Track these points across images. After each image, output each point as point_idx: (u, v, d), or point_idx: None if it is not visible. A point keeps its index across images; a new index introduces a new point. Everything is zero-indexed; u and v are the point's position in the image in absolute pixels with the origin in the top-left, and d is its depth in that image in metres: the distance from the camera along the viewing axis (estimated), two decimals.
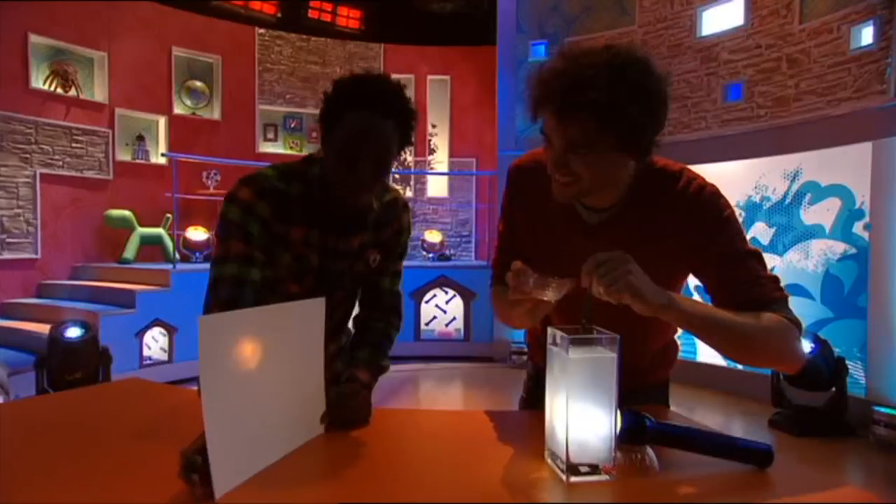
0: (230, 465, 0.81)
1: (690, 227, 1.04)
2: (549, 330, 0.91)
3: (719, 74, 4.70)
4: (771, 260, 4.37)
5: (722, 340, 0.99)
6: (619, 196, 1.06)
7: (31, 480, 0.84)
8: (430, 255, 6.37)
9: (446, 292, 5.86)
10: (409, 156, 7.19)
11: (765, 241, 4.44)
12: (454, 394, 4.89)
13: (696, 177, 1.08)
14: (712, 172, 4.63)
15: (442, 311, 5.90)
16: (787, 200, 4.32)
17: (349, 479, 0.86)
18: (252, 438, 0.87)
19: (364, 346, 1.29)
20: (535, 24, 5.83)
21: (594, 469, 0.85)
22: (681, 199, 1.05)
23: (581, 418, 0.85)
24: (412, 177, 7.21)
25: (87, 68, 5.51)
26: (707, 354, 4.79)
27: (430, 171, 7.22)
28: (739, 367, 4.51)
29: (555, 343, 0.90)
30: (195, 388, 1.09)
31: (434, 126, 7.26)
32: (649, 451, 0.90)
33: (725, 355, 1.04)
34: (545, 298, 0.95)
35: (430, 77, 7.18)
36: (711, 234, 1.03)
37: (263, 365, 0.88)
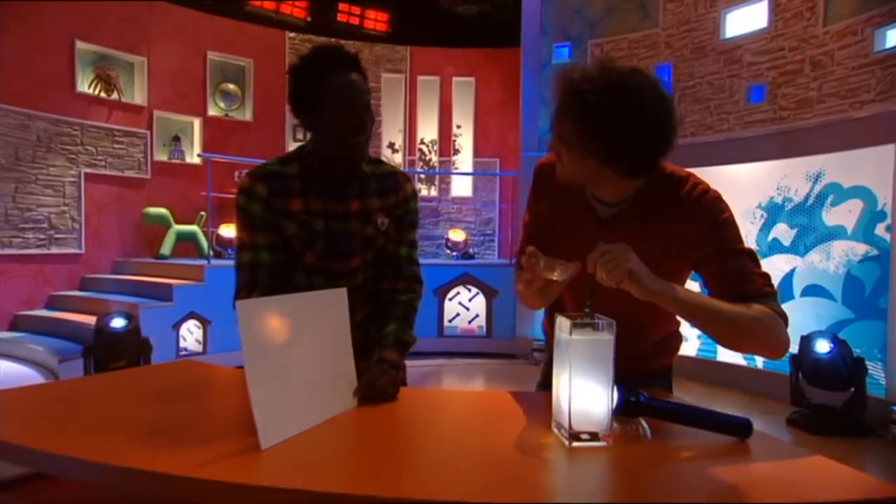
0: (272, 423, 0.95)
1: (693, 226, 1.16)
2: (557, 317, 1.06)
3: (742, 76, 4.74)
4: (792, 261, 4.41)
5: (712, 326, 1.11)
6: (629, 194, 1.19)
7: (125, 442, 1.01)
8: (454, 254, 6.52)
9: (469, 290, 6.00)
10: (434, 156, 7.35)
11: (786, 242, 4.48)
12: (476, 388, 5.03)
13: (701, 182, 1.22)
14: (734, 174, 4.73)
15: (465, 308, 6.05)
16: (809, 202, 4.35)
17: (378, 438, 1.02)
18: (290, 404, 1.01)
19: (391, 321, 1.38)
20: (558, 26, 5.92)
21: (594, 436, 0.99)
22: (686, 201, 1.17)
23: (582, 392, 0.99)
24: (437, 177, 7.37)
25: (128, 72, 5.80)
26: (726, 353, 4.84)
27: (454, 172, 7.36)
28: (759, 366, 4.57)
29: (561, 328, 1.04)
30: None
31: (459, 126, 7.40)
32: (643, 422, 1.04)
33: (716, 340, 1.16)
34: (553, 278, 1.11)
35: (455, 78, 7.32)
36: (711, 233, 1.15)
37: (296, 343, 1.03)
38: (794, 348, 4.04)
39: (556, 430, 1.05)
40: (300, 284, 1.37)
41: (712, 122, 4.97)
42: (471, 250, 6.69)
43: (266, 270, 1.32)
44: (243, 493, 0.79)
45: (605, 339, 1.00)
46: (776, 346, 1.12)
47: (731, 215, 1.18)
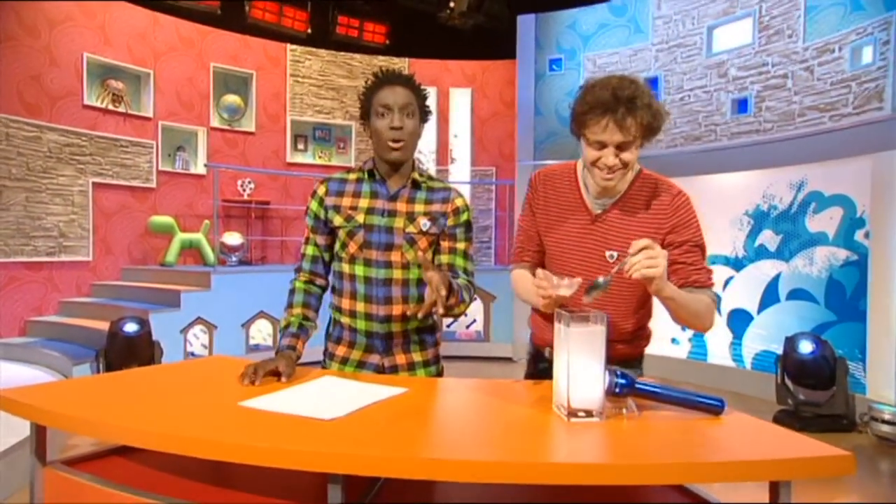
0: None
1: (671, 218, 1.45)
2: (556, 312, 1.24)
3: (728, 90, 4.96)
4: (778, 266, 4.61)
5: (682, 313, 1.40)
6: (619, 193, 1.46)
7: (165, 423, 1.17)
8: None
9: None
10: (430, 164, 7.53)
11: (772, 247, 4.68)
12: None
13: (675, 185, 1.51)
14: (722, 182, 4.95)
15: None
16: (793, 209, 4.56)
17: (396, 419, 1.19)
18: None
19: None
20: (552, 40, 6.13)
21: (589, 413, 1.17)
22: (666, 197, 1.46)
23: (579, 376, 1.17)
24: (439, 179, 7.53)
25: (135, 84, 5.96)
26: (716, 356, 5.03)
27: (451, 181, 7.54)
28: (747, 367, 4.75)
29: (560, 321, 1.22)
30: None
31: (456, 136, 7.58)
32: (630, 401, 1.22)
33: (676, 320, 1.44)
34: (562, 294, 1.31)
35: (452, 89, 7.52)
36: (684, 227, 1.45)
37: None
38: (779, 349, 4.23)
39: (556, 410, 1.22)
40: (344, 272, 1.59)
41: (700, 133, 5.18)
42: None
43: (308, 260, 1.64)
44: (315, 458, 0.96)
45: (598, 329, 1.17)
46: (711, 326, 1.48)
47: (696, 214, 1.48)
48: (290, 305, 1.61)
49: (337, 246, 1.61)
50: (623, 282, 1.39)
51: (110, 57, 5.65)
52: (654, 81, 5.54)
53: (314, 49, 7.13)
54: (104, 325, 4.27)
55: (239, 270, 5.66)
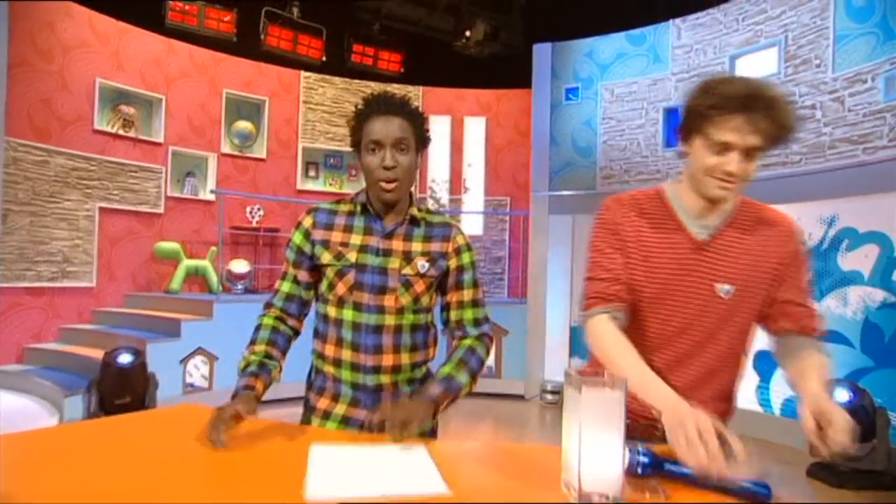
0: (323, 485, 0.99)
1: (784, 249, 1.26)
2: (565, 370, 1.05)
3: None
4: None
5: None
6: (724, 218, 1.26)
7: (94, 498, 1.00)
8: None
9: None
10: (444, 194, 7.42)
11: None
12: (484, 430, 4.94)
13: (782, 212, 1.34)
14: None
15: None
16: (824, 246, 4.33)
17: None
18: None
19: (447, 363, 1.41)
20: (569, 69, 6.05)
21: (605, 498, 0.97)
22: (781, 225, 1.28)
23: (592, 451, 0.98)
24: (447, 215, 7.41)
25: (147, 110, 5.97)
26: (741, 400, 4.73)
27: (464, 211, 7.41)
28: (775, 413, 4.46)
29: (570, 383, 1.04)
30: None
31: (470, 165, 7.48)
32: (656, 483, 1.02)
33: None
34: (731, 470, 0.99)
35: (466, 118, 7.45)
36: (797, 261, 1.27)
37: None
38: None
39: (564, 489, 1.03)
40: (330, 316, 1.42)
41: None
42: None
43: (282, 297, 1.46)
44: None
45: (615, 396, 0.99)
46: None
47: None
48: (251, 343, 1.42)
49: (323, 286, 1.44)
50: (739, 310, 1.24)
51: (123, 82, 5.66)
52: (674, 111, 5.40)
53: (328, 76, 7.13)
54: (101, 354, 4.15)
55: (243, 299, 5.53)
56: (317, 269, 1.45)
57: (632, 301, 1.28)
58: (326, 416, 1.43)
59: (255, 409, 1.26)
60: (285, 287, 1.46)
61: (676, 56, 5.37)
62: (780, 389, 4.52)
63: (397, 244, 1.42)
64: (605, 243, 1.31)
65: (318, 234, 1.43)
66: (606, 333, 1.23)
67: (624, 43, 5.76)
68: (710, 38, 5.13)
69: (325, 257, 1.42)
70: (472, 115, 7.45)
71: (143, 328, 5.01)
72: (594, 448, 0.97)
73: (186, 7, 6.19)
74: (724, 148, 1.15)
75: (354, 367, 1.40)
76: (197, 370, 5.00)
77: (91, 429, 1.42)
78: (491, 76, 7.37)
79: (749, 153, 1.15)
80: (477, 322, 1.47)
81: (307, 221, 1.44)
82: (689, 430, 0.99)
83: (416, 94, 7.43)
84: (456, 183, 7.42)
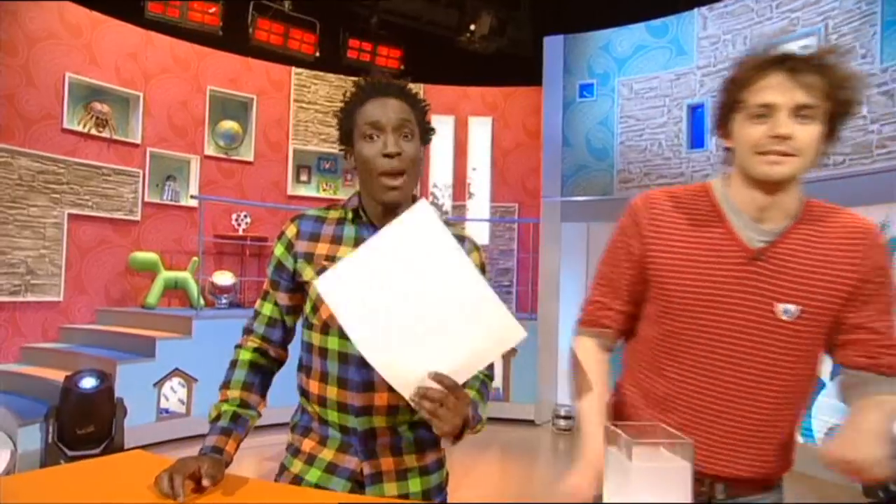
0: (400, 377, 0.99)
1: (864, 261, 1.07)
2: (607, 427, 0.81)
3: None
4: None
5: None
6: (785, 221, 1.08)
7: None
8: None
9: None
10: (447, 200, 7.21)
11: None
12: (491, 459, 4.70)
13: (861, 216, 1.14)
14: None
15: None
16: None
17: None
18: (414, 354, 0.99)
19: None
20: (583, 64, 5.86)
21: None
22: (857, 232, 1.09)
23: None
24: (450, 223, 7.21)
25: (123, 108, 5.78)
26: None
27: (468, 218, 7.20)
28: (819, 443, 4.20)
29: (612, 440, 0.80)
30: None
31: (475, 169, 7.28)
32: None
33: None
34: None
35: (471, 118, 7.26)
36: (880, 276, 1.08)
37: (399, 290, 0.98)
38: None
39: None
40: (314, 344, 1.26)
41: None
42: None
43: (263, 321, 1.31)
44: None
45: (679, 465, 0.75)
46: None
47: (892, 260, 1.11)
48: (225, 384, 1.27)
49: (307, 308, 1.27)
50: (803, 337, 1.07)
51: (96, 78, 5.48)
52: (699, 108, 5.20)
53: (321, 73, 6.94)
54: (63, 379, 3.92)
55: (225, 315, 5.31)
56: (297, 289, 1.28)
57: (628, 324, 1.21)
58: (311, 460, 1.27)
59: (221, 475, 1.12)
60: (266, 310, 1.31)
61: (702, 48, 5.18)
62: (823, 418, 4.25)
63: None
64: (619, 255, 1.17)
65: (302, 246, 1.26)
66: (586, 360, 1.18)
67: (644, 34, 5.57)
68: (740, 28, 4.94)
69: (307, 273, 1.24)
70: (477, 115, 7.27)
71: (115, 347, 4.80)
72: None
73: None
74: (769, 111, 1.02)
75: (341, 408, 1.23)
76: (174, 394, 4.77)
77: (21, 483, 1.26)
78: (497, 73, 7.19)
79: (800, 114, 1.00)
80: None
81: (290, 231, 1.28)
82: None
83: (417, 92, 7.24)
84: (459, 188, 7.22)
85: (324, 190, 6.99)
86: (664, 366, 1.13)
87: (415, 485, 1.26)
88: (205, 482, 1.07)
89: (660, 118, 5.39)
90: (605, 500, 0.82)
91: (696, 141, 5.23)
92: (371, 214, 1.25)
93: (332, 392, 1.23)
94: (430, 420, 1.02)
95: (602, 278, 1.22)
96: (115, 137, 5.61)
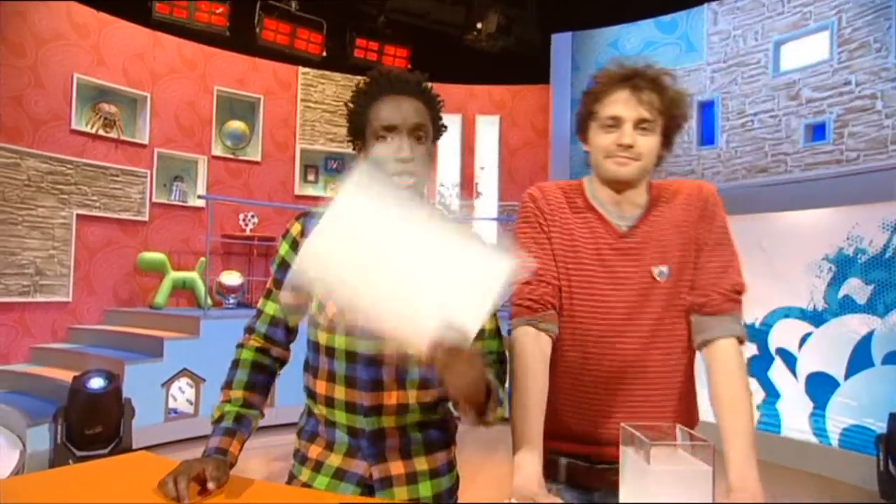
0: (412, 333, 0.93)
1: (699, 212, 1.23)
2: (625, 428, 0.79)
3: (801, 114, 4.52)
4: (869, 322, 4.05)
5: None
6: (640, 207, 1.26)
7: None
8: None
9: None
10: (454, 199, 7.19)
11: (861, 299, 4.13)
12: (500, 461, 4.66)
13: (692, 181, 1.32)
14: (795, 221, 4.44)
15: None
16: (888, 254, 4.02)
17: None
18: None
19: None
20: (591, 61, 5.82)
21: None
22: (690, 191, 1.26)
23: None
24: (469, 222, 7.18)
25: (130, 108, 5.79)
26: (792, 428, 4.43)
27: (476, 217, 7.17)
28: (834, 444, 4.15)
29: (630, 442, 0.77)
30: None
31: (482, 168, 7.25)
32: None
33: None
34: None
35: (478, 116, 7.23)
36: (708, 217, 1.23)
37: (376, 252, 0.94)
38: (876, 425, 3.65)
39: None
40: (320, 343, 1.24)
41: (767, 164, 4.73)
42: None
43: (266, 320, 1.29)
44: None
45: (700, 469, 0.72)
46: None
47: (722, 210, 1.24)
48: (228, 384, 1.25)
49: (313, 306, 1.24)
50: (679, 293, 1.20)
51: (103, 78, 5.49)
52: (709, 105, 5.15)
53: (328, 72, 6.93)
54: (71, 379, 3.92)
55: (233, 315, 5.30)
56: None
57: (567, 301, 1.25)
58: (318, 467, 1.24)
59: (225, 478, 1.11)
60: (269, 309, 1.29)
61: (712, 44, 5.13)
62: (837, 418, 4.20)
63: None
64: (530, 240, 1.26)
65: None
66: (525, 354, 1.17)
67: (653, 31, 5.53)
68: (751, 23, 4.88)
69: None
70: (485, 114, 7.24)
71: (123, 347, 4.80)
72: None
73: None
74: (616, 123, 1.19)
75: (350, 408, 1.21)
76: (182, 394, 4.77)
77: (26, 484, 1.27)
78: (505, 71, 7.15)
79: (641, 127, 1.18)
80: (500, 356, 1.24)
81: (295, 229, 1.27)
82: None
83: None
84: (467, 187, 7.19)
85: (331, 189, 6.98)
86: (567, 342, 1.22)
87: (425, 489, 1.23)
88: (210, 485, 1.06)
89: None
90: (621, 502, 0.79)
91: (706, 138, 5.18)
92: None
93: (340, 392, 1.21)
94: (446, 378, 0.97)
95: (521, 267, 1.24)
96: (122, 138, 5.62)
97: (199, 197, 5.93)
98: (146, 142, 5.78)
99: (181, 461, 1.11)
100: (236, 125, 6.44)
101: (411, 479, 1.22)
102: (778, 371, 4.53)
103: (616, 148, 1.18)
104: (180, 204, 6.04)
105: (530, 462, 1.05)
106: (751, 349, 4.61)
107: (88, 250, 5.39)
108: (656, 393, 1.20)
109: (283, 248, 1.27)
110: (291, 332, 1.31)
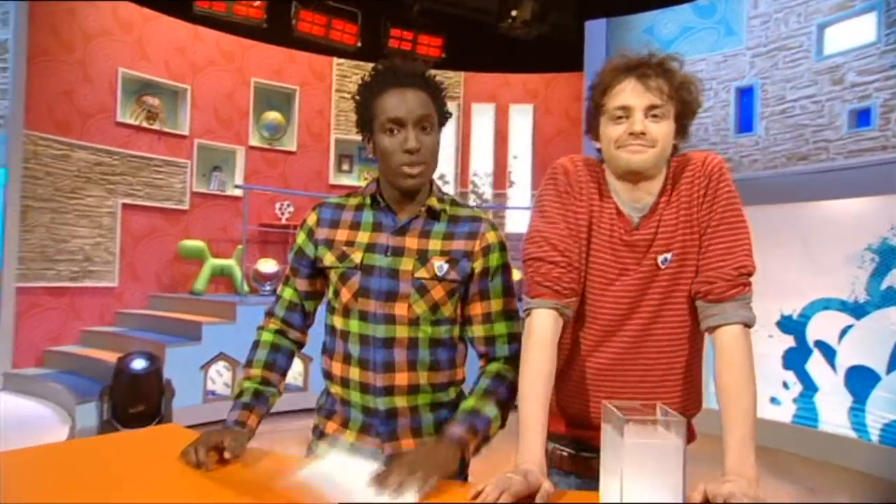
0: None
1: (703, 190, 1.19)
2: (605, 404, 0.82)
3: (845, 99, 4.37)
4: None
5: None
6: (651, 198, 1.22)
7: None
8: None
9: None
10: (487, 188, 7.20)
11: None
12: (508, 446, 4.69)
13: (699, 153, 1.26)
14: (836, 210, 4.31)
15: None
16: None
17: None
18: None
19: (471, 397, 1.25)
20: (626, 47, 5.71)
21: None
22: (695, 165, 1.22)
23: None
24: (490, 211, 7.19)
25: (171, 101, 6.00)
26: (830, 423, 4.33)
27: (509, 206, 7.17)
28: (874, 440, 4.04)
29: (608, 418, 0.81)
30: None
31: (515, 157, 7.24)
32: None
33: None
34: None
35: (512, 105, 7.21)
36: (711, 196, 1.19)
37: None
38: None
39: None
40: (336, 327, 1.31)
41: (808, 152, 4.59)
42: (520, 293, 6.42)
43: (284, 305, 1.37)
44: None
45: (671, 443, 0.75)
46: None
47: (729, 184, 1.19)
48: (248, 363, 1.35)
49: (329, 293, 1.34)
50: (681, 280, 1.18)
51: (146, 72, 5.70)
52: (748, 91, 5.01)
53: (362, 63, 7.01)
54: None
55: (268, 301, 5.42)
56: (316, 276, 1.35)
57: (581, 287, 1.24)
58: (334, 442, 1.32)
59: (243, 448, 1.18)
60: (287, 294, 1.37)
61: (752, 27, 4.98)
62: (878, 413, 4.08)
63: (411, 241, 1.27)
64: (558, 214, 1.21)
65: (322, 233, 1.32)
66: (545, 338, 1.16)
67: (690, 15, 5.40)
68: (794, 5, 4.72)
69: (328, 259, 1.30)
70: (518, 103, 7.21)
71: (165, 331, 5.01)
72: None
73: None
74: (626, 113, 1.17)
75: (363, 388, 1.27)
76: (220, 377, 4.95)
77: (64, 451, 1.39)
78: (539, 59, 7.09)
79: (652, 114, 1.16)
80: (510, 339, 1.29)
81: (311, 219, 1.34)
82: (497, 481, 0.95)
83: (458, 81, 7.25)
84: (500, 177, 7.19)
85: (365, 178, 7.07)
86: (575, 326, 1.23)
87: None
88: (227, 455, 1.13)
89: (706, 102, 5.22)
90: (601, 475, 0.83)
91: (745, 125, 5.05)
92: (389, 199, 1.29)
93: (354, 373, 1.27)
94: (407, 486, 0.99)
95: (546, 242, 1.20)
96: (164, 129, 5.84)
97: (237, 186, 6.11)
98: (187, 133, 5.98)
99: (202, 432, 1.18)
100: (273, 116, 6.59)
101: None
102: (816, 364, 4.42)
103: (628, 137, 1.15)
104: (219, 193, 6.24)
105: (533, 445, 1.07)
106: (788, 341, 4.51)
107: (133, 238, 5.63)
108: (652, 378, 1.21)
109: (301, 238, 1.34)
110: (308, 317, 1.39)
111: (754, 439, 1.03)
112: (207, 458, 1.11)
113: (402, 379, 1.25)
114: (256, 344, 1.36)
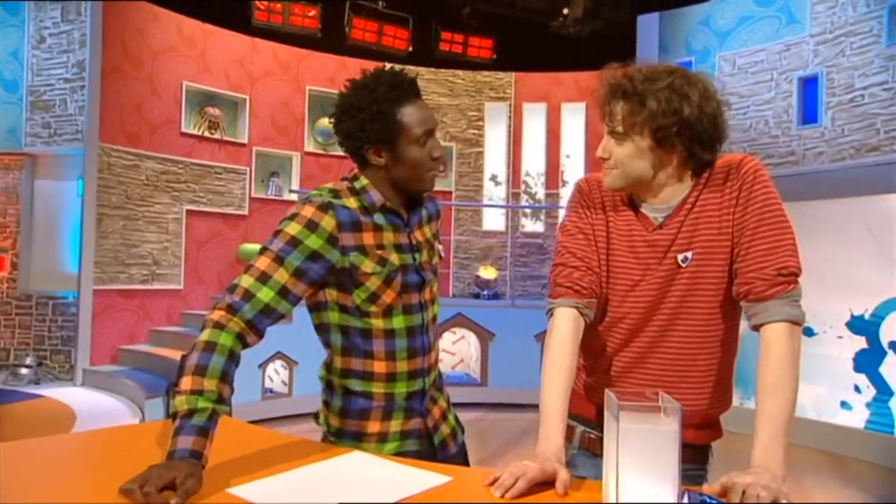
0: None
1: (739, 193, 1.17)
2: (607, 392, 0.85)
3: None
4: None
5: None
6: (673, 201, 1.22)
7: None
8: (485, 293, 6.33)
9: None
10: (539, 188, 7.17)
11: None
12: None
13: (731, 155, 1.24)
14: None
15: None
16: None
17: None
18: None
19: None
20: (680, 41, 5.59)
21: None
22: (731, 169, 1.20)
23: (638, 497, 0.76)
24: (543, 211, 7.16)
25: (231, 111, 6.30)
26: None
27: (562, 206, 7.10)
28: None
29: (608, 405, 0.83)
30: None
31: (568, 156, 7.17)
32: None
33: None
34: None
35: (564, 104, 7.15)
36: (749, 199, 1.16)
37: None
38: None
39: None
40: (377, 329, 1.31)
41: (879, 143, 4.35)
42: (498, 290, 6.46)
43: (258, 306, 1.18)
44: None
45: (667, 429, 0.77)
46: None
47: (766, 185, 1.16)
48: (201, 370, 1.10)
49: (359, 299, 1.27)
50: (702, 280, 1.18)
51: (208, 84, 6.01)
52: (812, 81, 4.80)
53: (413, 67, 7.12)
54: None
55: None
56: (323, 284, 1.27)
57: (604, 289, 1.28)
58: (383, 438, 1.33)
59: (198, 487, 0.95)
60: (264, 295, 1.18)
61: (817, 14, 4.77)
62: None
63: (419, 235, 1.40)
64: (576, 227, 1.29)
65: (348, 239, 1.25)
66: (565, 334, 1.19)
67: (749, 5, 5.22)
68: None
69: (368, 265, 1.27)
70: (570, 102, 7.14)
71: None
72: (640, 495, 0.76)
73: (272, 5, 6.45)
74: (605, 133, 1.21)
75: (411, 376, 1.35)
76: (277, 375, 5.16)
77: (85, 440, 1.47)
78: (591, 56, 6.87)
79: (614, 136, 1.18)
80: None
81: (328, 222, 1.23)
82: (513, 468, 0.98)
83: (509, 81, 7.26)
84: (553, 176, 7.14)
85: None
86: (602, 326, 1.27)
87: (453, 417, 1.47)
88: (175, 501, 0.89)
89: (766, 94, 5.03)
90: (604, 464, 0.85)
91: (809, 116, 4.83)
92: (396, 204, 1.34)
93: (402, 365, 1.32)
94: None
95: (567, 252, 1.27)
96: (225, 138, 6.13)
97: (292, 191, 6.34)
98: (245, 141, 6.26)
99: (149, 466, 0.96)
100: (327, 122, 6.80)
101: (444, 416, 1.43)
102: (891, 367, 4.17)
103: (599, 152, 1.24)
104: (276, 198, 6.50)
105: (552, 435, 1.09)
106: (859, 342, 4.29)
107: (197, 242, 5.95)
108: (671, 374, 1.21)
109: (316, 242, 1.22)
110: (276, 322, 1.22)
111: (787, 437, 1.01)
112: (158, 498, 0.89)
113: (434, 355, 1.41)
114: (213, 346, 1.12)
